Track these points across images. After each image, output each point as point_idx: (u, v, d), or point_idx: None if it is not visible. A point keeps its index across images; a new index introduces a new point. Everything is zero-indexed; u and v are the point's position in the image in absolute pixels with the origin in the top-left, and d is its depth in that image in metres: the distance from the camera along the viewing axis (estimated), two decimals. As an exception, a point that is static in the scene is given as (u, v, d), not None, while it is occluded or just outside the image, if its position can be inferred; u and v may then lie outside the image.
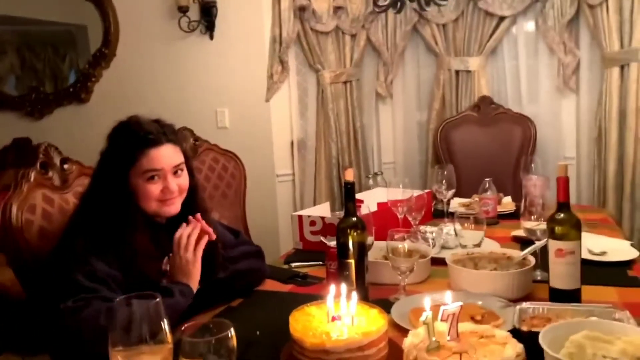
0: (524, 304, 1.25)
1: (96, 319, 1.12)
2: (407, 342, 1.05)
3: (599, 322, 1.06)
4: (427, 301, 1.04)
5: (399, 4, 1.70)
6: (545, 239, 1.50)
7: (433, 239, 1.82)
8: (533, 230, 1.58)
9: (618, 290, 1.43)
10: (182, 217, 1.42)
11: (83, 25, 3.84)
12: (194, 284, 1.36)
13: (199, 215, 1.42)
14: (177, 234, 1.38)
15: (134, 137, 1.37)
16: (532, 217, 1.57)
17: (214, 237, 1.41)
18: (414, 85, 3.53)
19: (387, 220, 1.90)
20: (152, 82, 3.54)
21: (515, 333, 1.10)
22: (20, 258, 1.39)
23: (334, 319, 1.14)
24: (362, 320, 1.14)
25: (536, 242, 1.55)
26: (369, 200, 2.10)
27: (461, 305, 1.04)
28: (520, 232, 1.97)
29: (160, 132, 1.39)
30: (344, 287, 1.16)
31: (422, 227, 1.93)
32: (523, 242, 1.85)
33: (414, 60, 3.51)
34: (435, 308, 1.05)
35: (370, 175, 2.58)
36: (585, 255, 1.64)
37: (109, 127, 4.00)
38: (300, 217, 1.98)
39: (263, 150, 3.39)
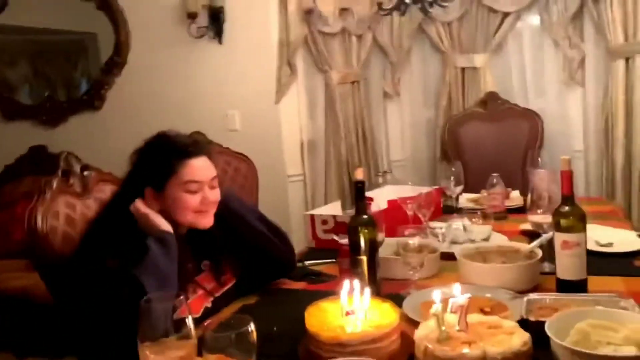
0: (532, 295, 1.30)
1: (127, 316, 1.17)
2: (418, 333, 1.09)
3: (604, 310, 1.10)
4: (436, 294, 1.09)
5: (402, 7, 1.75)
6: (552, 232, 1.54)
7: (442, 235, 1.86)
8: (540, 224, 1.62)
9: (624, 280, 1.47)
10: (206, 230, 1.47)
11: (93, 33, 3.91)
12: (163, 226, 1.37)
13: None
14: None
15: (173, 148, 1.41)
16: (539, 210, 1.60)
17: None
18: (421, 83, 3.57)
19: (397, 217, 1.95)
20: (164, 87, 3.60)
21: (524, 323, 1.15)
22: (46, 263, 1.45)
23: (347, 313, 1.19)
24: (375, 314, 1.19)
25: (543, 235, 1.58)
26: (379, 198, 2.15)
27: (469, 297, 1.09)
28: (528, 226, 2.01)
29: (197, 144, 1.44)
30: (356, 282, 1.21)
31: (431, 223, 1.98)
32: (531, 236, 1.88)
33: (420, 58, 3.55)
34: (445, 300, 1.10)
35: (380, 174, 2.63)
36: (592, 246, 1.68)
37: (123, 133, 4.09)
38: (312, 216, 2.03)
39: (273, 151, 3.45)
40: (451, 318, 1.09)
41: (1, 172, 3.85)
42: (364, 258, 1.40)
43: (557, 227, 1.37)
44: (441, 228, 1.89)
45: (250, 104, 3.48)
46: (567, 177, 1.36)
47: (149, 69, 3.65)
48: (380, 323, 1.14)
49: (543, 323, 1.10)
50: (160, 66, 3.61)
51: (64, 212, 1.52)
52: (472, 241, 1.72)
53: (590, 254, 1.42)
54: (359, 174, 1.41)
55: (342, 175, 3.45)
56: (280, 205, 3.44)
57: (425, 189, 2.11)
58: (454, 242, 1.86)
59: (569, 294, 1.29)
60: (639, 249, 1.68)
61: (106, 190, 1.71)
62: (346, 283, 1.21)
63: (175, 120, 3.54)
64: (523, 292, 1.38)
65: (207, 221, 1.46)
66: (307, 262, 1.83)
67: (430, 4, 1.77)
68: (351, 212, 2.09)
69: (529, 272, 1.45)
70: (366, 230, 1.41)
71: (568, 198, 1.36)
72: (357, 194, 1.42)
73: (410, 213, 1.99)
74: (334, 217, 1.99)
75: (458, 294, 1.10)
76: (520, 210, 2.37)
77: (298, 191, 3.53)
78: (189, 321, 0.86)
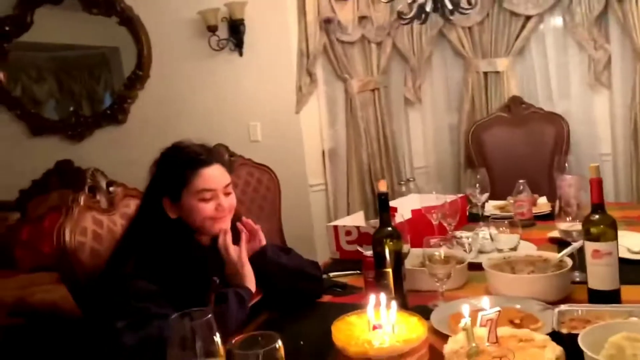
0: (562, 307, 1.26)
1: (161, 334, 1.18)
2: (447, 348, 1.07)
3: (638, 323, 1.06)
4: (465, 307, 1.07)
5: (423, 15, 1.74)
6: (582, 241, 1.50)
7: (469, 244, 1.84)
8: (568, 232, 1.59)
9: (659, 288, 1.42)
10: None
11: (115, 47, 3.98)
12: (249, 283, 1.42)
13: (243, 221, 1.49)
14: (219, 243, 1.45)
15: (186, 159, 1.43)
16: (568, 218, 1.57)
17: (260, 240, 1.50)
18: (443, 89, 3.54)
19: (422, 227, 1.93)
20: (186, 100, 3.65)
21: (555, 335, 1.12)
22: (75, 278, 1.47)
23: (375, 327, 1.18)
24: (403, 328, 1.17)
25: (572, 243, 1.55)
26: (403, 207, 2.13)
27: (499, 310, 1.07)
28: (557, 233, 1.97)
29: (209, 152, 1.46)
30: (383, 296, 1.20)
31: (457, 233, 1.95)
32: (560, 243, 1.85)
33: (441, 64, 3.53)
34: (474, 313, 1.08)
35: (402, 182, 2.61)
36: (624, 254, 1.64)
37: (147, 146, 4.12)
38: (335, 227, 2.02)
39: (295, 161, 3.45)
40: (481, 332, 1.07)
41: (29, 187, 3.93)
42: (390, 271, 1.38)
43: (587, 235, 1.34)
44: (468, 237, 1.87)
45: (271, 115, 3.50)
46: (597, 185, 1.33)
47: (171, 82, 3.69)
48: (409, 337, 1.12)
49: (576, 336, 1.07)
50: (182, 79, 3.66)
51: (91, 229, 1.54)
52: (500, 250, 1.69)
53: (622, 262, 1.38)
54: (382, 186, 1.40)
55: (365, 183, 3.44)
56: (303, 214, 3.44)
57: (450, 197, 2.08)
58: (481, 252, 1.83)
59: (601, 305, 1.25)
60: (673, 255, 1.63)
61: (131, 205, 1.73)
62: (372, 297, 1.20)
63: (198, 132, 3.54)
64: (554, 303, 1.35)
65: (223, 226, 1.47)
66: (331, 274, 1.82)
67: (451, 12, 1.75)
68: (375, 222, 2.08)
69: (559, 282, 1.41)
70: (391, 243, 1.40)
71: (598, 206, 1.33)
72: (381, 206, 1.41)
73: (435, 222, 1.97)
74: (358, 228, 1.98)
75: (487, 307, 1.08)
76: (548, 217, 2.33)
77: (320, 200, 3.53)
78: (217, 339, 0.86)
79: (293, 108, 3.43)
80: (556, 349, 1.01)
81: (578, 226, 1.54)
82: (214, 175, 1.44)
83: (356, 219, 2.18)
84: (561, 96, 3.30)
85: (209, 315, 0.85)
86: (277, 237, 2.56)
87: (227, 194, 1.47)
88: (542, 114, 3.24)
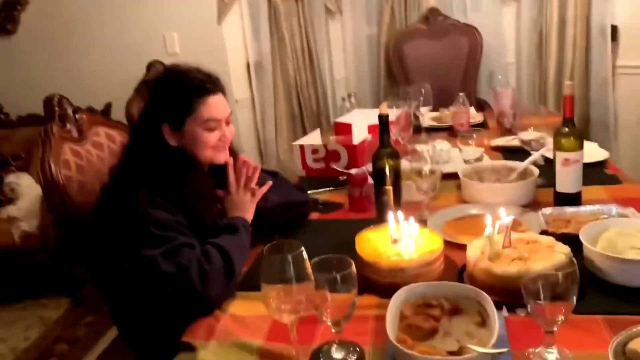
0: (544, 210, 1.45)
1: (200, 264, 1.18)
2: (471, 253, 1.21)
3: (624, 220, 1.27)
4: (488, 218, 1.19)
5: None
6: (542, 149, 1.70)
7: (430, 156, 1.96)
8: (528, 141, 1.77)
9: (604, 188, 1.67)
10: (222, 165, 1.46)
11: None
12: (250, 219, 1.43)
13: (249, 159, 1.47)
14: (236, 174, 1.44)
15: (191, 85, 1.36)
16: (530, 128, 1.75)
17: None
18: (363, 0, 3.54)
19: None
20: (91, 7, 3.29)
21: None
22: (66, 214, 1.38)
23: (395, 241, 1.28)
24: (420, 240, 1.28)
25: (531, 152, 1.74)
26: (355, 124, 2.20)
27: (514, 218, 1.21)
28: (498, 142, 2.18)
29: (212, 80, 1.39)
30: (400, 212, 1.29)
31: (417, 146, 2.07)
32: (505, 151, 2.06)
33: (362, -27, 3.50)
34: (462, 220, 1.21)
35: (344, 97, 2.66)
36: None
37: (44, 61, 3.76)
38: (302, 146, 2.05)
39: (219, 74, 3.31)
40: (496, 238, 1.21)
41: None
42: (391, 188, 1.47)
43: (557, 146, 1.51)
44: (428, 150, 1.99)
45: (190, 26, 3.29)
46: (569, 101, 1.48)
47: (70, -13, 3.29)
48: (432, 248, 1.24)
49: (569, 235, 1.26)
50: (83, -17, 3.27)
51: (73, 160, 1.43)
52: (467, 161, 1.85)
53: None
54: (383, 109, 1.45)
55: (292, 97, 3.43)
56: (231, 130, 3.38)
57: (399, 111, 2.18)
58: (437, 163, 1.97)
59: (576, 207, 1.45)
60: (605, 158, 1.89)
61: (101, 134, 1.62)
62: (391, 213, 1.29)
63: (106, 43, 3.31)
64: (525, 207, 1.54)
65: (223, 155, 1.46)
66: (308, 192, 1.87)
67: None
68: (334, 138, 2.15)
69: (530, 187, 1.61)
70: (391, 161, 1.47)
71: (569, 120, 1.50)
72: (381, 127, 1.46)
73: (394, 138, 2.07)
74: (325, 146, 2.03)
75: (504, 216, 1.21)
76: (481, 126, 2.54)
77: (247, 115, 3.48)
78: (307, 265, 0.90)
79: (214, 19, 3.25)
80: (564, 248, 1.18)
81: (537, 135, 1.74)
82: (220, 105, 1.41)
83: (314, 138, 2.21)
84: (473, 7, 3.46)
85: (301, 248, 0.89)
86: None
87: (228, 124, 1.45)
88: (458, 26, 3.40)
